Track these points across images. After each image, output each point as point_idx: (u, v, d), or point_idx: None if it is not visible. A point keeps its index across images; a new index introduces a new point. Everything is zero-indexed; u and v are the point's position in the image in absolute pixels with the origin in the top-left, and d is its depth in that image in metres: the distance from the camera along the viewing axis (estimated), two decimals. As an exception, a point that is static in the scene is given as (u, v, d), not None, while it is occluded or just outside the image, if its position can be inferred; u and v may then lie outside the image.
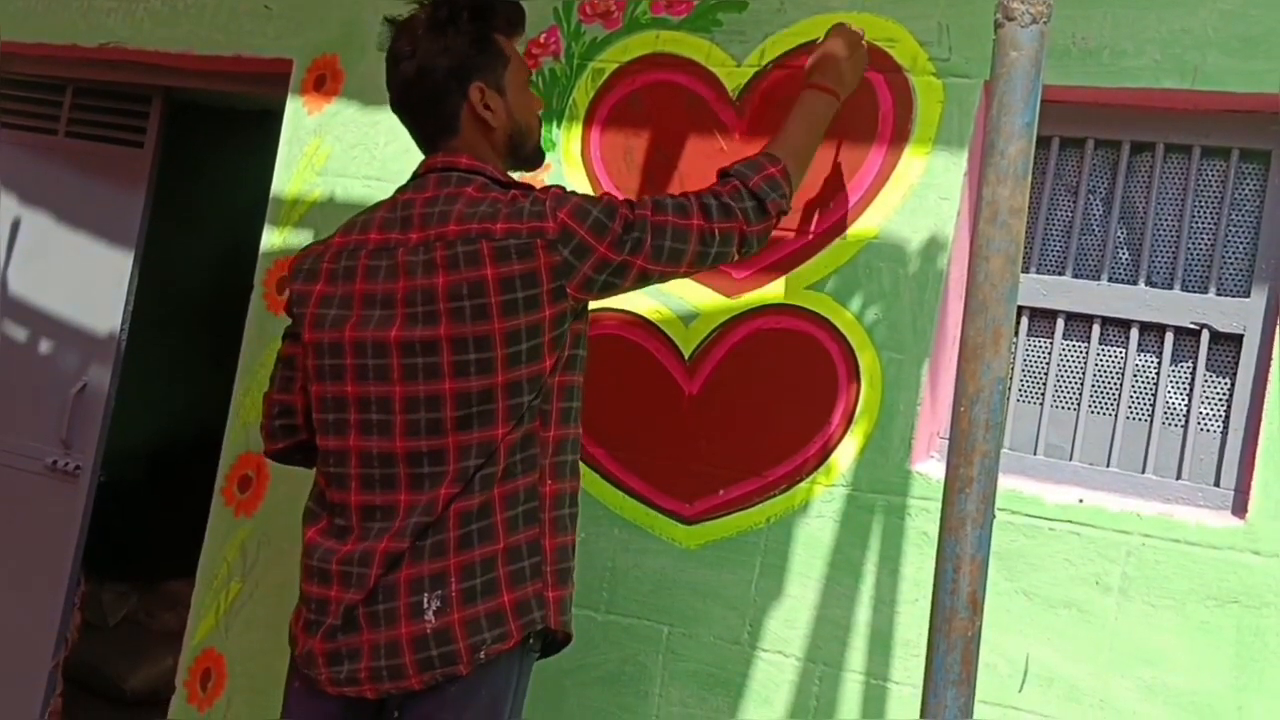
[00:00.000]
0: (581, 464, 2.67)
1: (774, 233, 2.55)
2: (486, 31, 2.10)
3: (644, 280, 2.06)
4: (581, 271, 1.96)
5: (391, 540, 1.95)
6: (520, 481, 1.96)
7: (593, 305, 2.72)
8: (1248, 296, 2.35)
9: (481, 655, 1.92)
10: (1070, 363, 2.50)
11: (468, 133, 2.09)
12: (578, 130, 2.79)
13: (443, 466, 1.95)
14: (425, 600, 1.91)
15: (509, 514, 1.95)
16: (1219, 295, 2.37)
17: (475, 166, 2.07)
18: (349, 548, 1.98)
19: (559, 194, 2.00)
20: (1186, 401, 2.39)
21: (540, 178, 2.78)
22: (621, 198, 2.07)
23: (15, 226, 3.83)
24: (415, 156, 2.90)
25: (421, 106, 2.10)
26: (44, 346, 3.81)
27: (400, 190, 2.12)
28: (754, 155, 2.19)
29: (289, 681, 2.10)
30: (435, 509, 1.94)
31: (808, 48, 2.56)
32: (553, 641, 2.07)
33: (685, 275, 2.14)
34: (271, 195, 3.16)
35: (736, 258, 2.15)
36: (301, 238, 3.07)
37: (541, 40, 2.85)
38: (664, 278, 2.09)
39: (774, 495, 2.54)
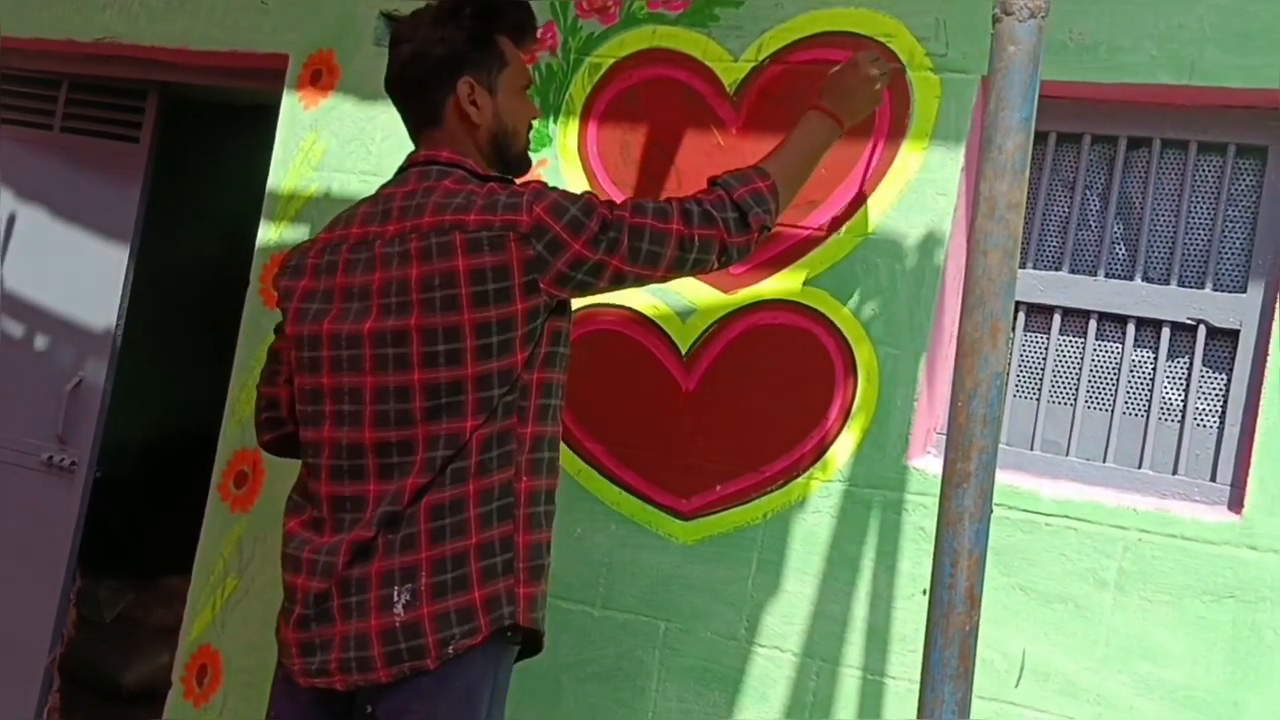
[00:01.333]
0: (580, 460, 2.70)
1: (772, 228, 2.56)
2: (488, 31, 2.12)
3: (619, 281, 2.03)
4: (555, 267, 1.95)
5: (359, 530, 1.95)
6: (495, 477, 1.96)
7: (589, 301, 2.73)
8: (1244, 292, 2.35)
9: (449, 650, 1.91)
10: (1067, 358, 2.50)
11: (450, 125, 2.10)
12: (574, 126, 2.79)
13: (411, 457, 1.95)
14: (395, 593, 1.91)
15: (483, 509, 1.95)
16: (1216, 291, 2.38)
17: (455, 160, 2.07)
18: (323, 539, 1.99)
19: (537, 188, 1.99)
20: (1183, 397, 2.39)
21: (537, 172, 2.79)
22: (604, 198, 2.07)
23: (10, 222, 3.82)
24: (407, 148, 2.91)
25: (411, 91, 2.12)
26: (39, 342, 3.80)
27: (384, 185, 2.13)
28: (745, 167, 2.17)
29: (275, 673, 2.12)
30: (403, 499, 1.94)
31: (804, 43, 2.56)
32: (531, 641, 2.07)
33: (662, 280, 2.12)
34: (267, 190, 3.15)
35: (716, 267, 2.12)
36: (298, 233, 3.06)
37: (538, 35, 2.84)
38: (640, 280, 2.07)
39: (771, 491, 2.54)
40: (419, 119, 2.13)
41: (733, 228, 2.07)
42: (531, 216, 1.94)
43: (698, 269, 2.11)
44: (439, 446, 1.94)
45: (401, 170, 2.13)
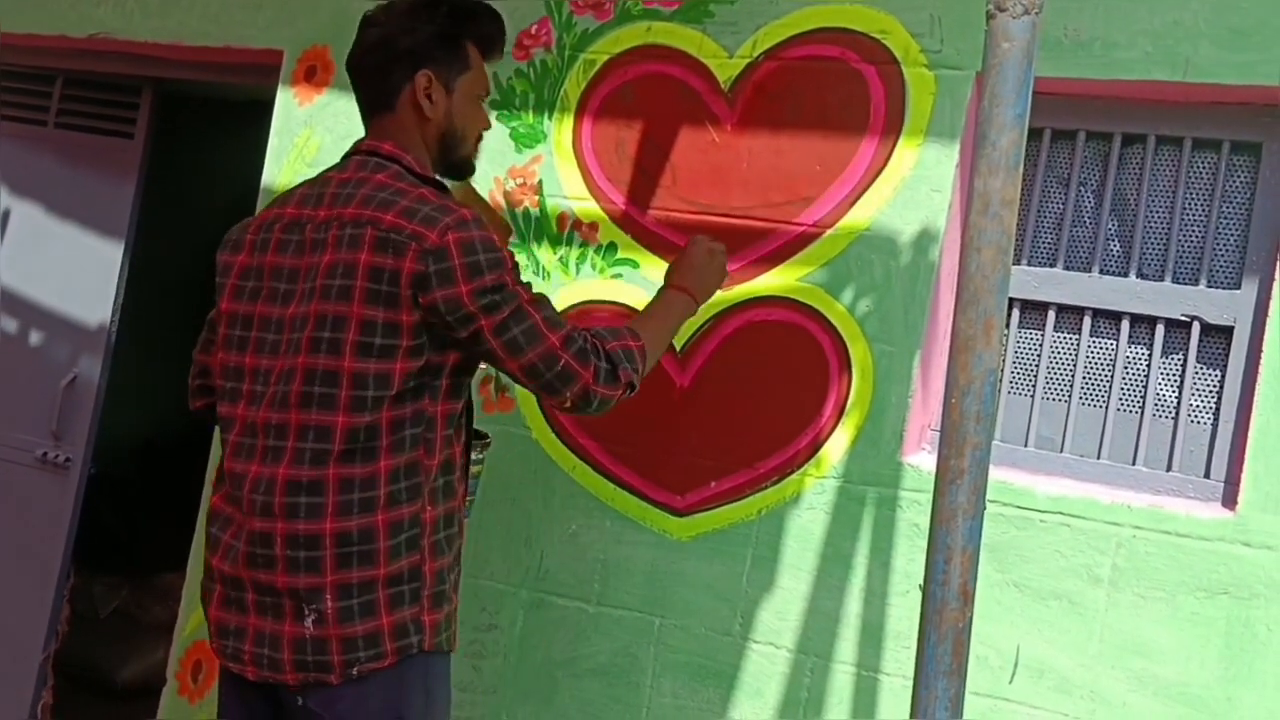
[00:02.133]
0: (575, 457, 2.70)
1: (768, 224, 2.57)
2: (458, 32, 2.13)
3: (474, 344, 1.96)
4: (434, 294, 1.91)
5: (245, 515, 1.97)
6: (405, 510, 1.96)
7: (583, 296, 2.73)
8: (1238, 289, 2.35)
9: (354, 671, 1.93)
10: (1061, 355, 2.50)
11: (402, 114, 2.10)
12: (569, 122, 2.79)
13: (284, 442, 1.96)
14: (304, 609, 1.93)
15: (392, 542, 1.95)
16: (1210, 287, 2.38)
17: (395, 154, 2.08)
18: (232, 521, 2.01)
19: (464, 218, 1.95)
20: (1177, 393, 2.39)
21: (532, 169, 2.79)
22: (518, 276, 2.00)
23: (5, 217, 3.81)
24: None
25: (370, 72, 2.14)
26: (34, 338, 3.80)
27: (328, 169, 2.15)
28: (617, 325, 2.16)
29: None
30: (274, 489, 1.95)
31: (799, 39, 2.56)
32: None
33: (511, 375, 2.02)
34: (262, 186, 3.15)
35: (567, 406, 2.04)
36: (292, 229, 3.06)
37: (533, 31, 2.85)
38: (491, 358, 1.99)
39: (765, 487, 2.55)
40: (372, 102, 2.14)
41: (601, 377, 2.02)
42: (442, 239, 1.91)
43: (548, 392, 2.02)
44: (308, 438, 1.94)
45: (346, 156, 2.14)
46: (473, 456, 2.21)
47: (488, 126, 2.23)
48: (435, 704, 2.04)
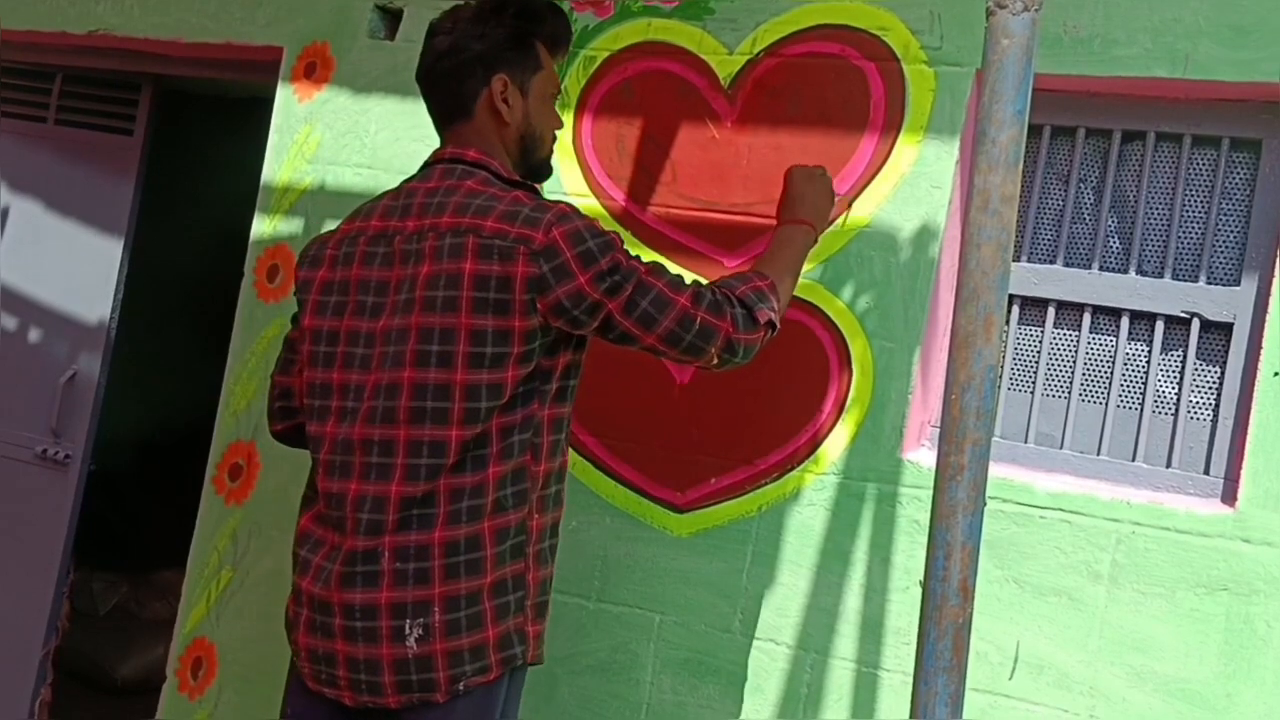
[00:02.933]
0: (575, 454, 2.70)
1: (766, 220, 2.56)
2: (528, 33, 2.11)
3: (608, 329, 1.97)
4: (555, 293, 1.91)
5: (347, 535, 1.94)
6: (511, 516, 1.95)
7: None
8: (1238, 285, 2.35)
9: (460, 687, 1.91)
10: (1061, 351, 2.50)
11: (480, 120, 2.08)
12: (569, 119, 2.79)
13: (391, 459, 1.93)
14: (408, 626, 1.90)
15: (499, 549, 1.93)
16: (1209, 284, 2.38)
17: (482, 160, 2.05)
18: (325, 541, 1.98)
19: (564, 210, 1.95)
20: (1177, 390, 2.40)
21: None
22: (628, 252, 2.00)
23: (4, 215, 3.81)
24: (405, 144, 2.91)
25: (444, 81, 2.10)
26: (34, 335, 3.80)
27: (408, 180, 2.11)
28: (740, 270, 2.14)
29: (290, 669, 2.12)
30: (385, 506, 1.92)
31: (800, 36, 2.56)
32: None
33: (650, 349, 2.01)
34: (262, 183, 3.15)
35: (715, 363, 2.03)
36: (292, 226, 3.06)
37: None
38: (627, 338, 1.98)
39: (765, 484, 2.55)
40: (448, 111, 2.11)
41: (740, 323, 2.01)
42: (548, 236, 1.90)
43: (692, 355, 2.01)
44: (422, 453, 1.91)
45: (426, 165, 2.11)
46: None
47: (560, 125, 2.22)
48: (511, 706, 2.03)
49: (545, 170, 2.20)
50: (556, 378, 1.99)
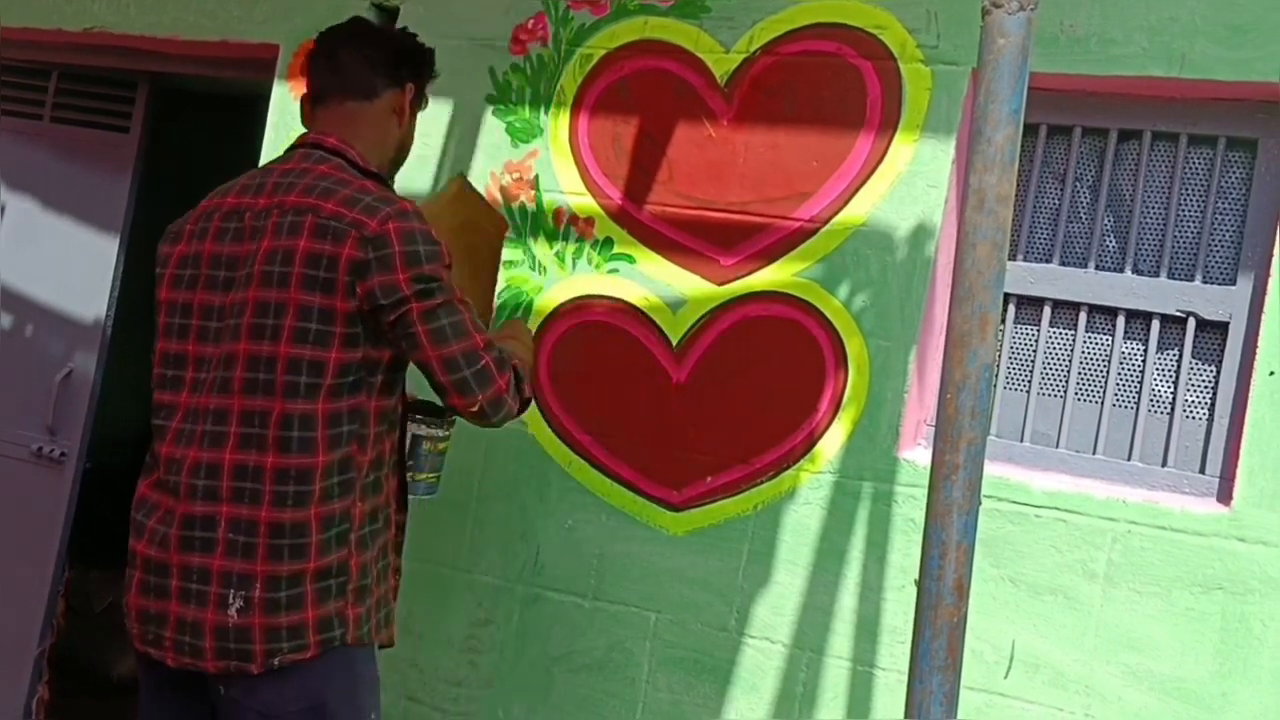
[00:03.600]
0: (571, 452, 2.71)
1: (764, 219, 2.57)
2: (429, 72, 2.25)
3: (401, 326, 1.96)
4: (372, 280, 1.93)
5: (182, 499, 1.98)
6: (337, 504, 1.98)
7: (579, 292, 2.73)
8: (1234, 284, 2.35)
9: (275, 662, 1.94)
10: (1057, 350, 2.50)
11: (375, 111, 2.14)
12: (565, 117, 2.79)
13: (224, 427, 1.97)
14: (230, 595, 1.94)
15: (324, 536, 1.97)
16: (1205, 283, 2.38)
17: (340, 147, 2.10)
18: (163, 506, 2.02)
19: (405, 208, 1.99)
20: (1172, 389, 2.40)
21: (529, 164, 2.79)
22: (449, 268, 2.02)
23: (0, 212, 3.81)
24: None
25: (359, 56, 2.16)
26: (29, 332, 3.79)
27: (272, 160, 2.17)
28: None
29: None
30: (218, 473, 1.96)
31: (796, 34, 2.57)
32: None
33: (426, 367, 2.00)
34: (258, 181, 3.14)
35: (474, 407, 2.00)
36: (288, 224, 3.05)
37: (529, 26, 2.85)
38: (413, 346, 1.97)
39: (761, 482, 2.55)
40: (340, 87, 2.15)
41: (512, 388, 2.04)
42: (382, 227, 1.95)
43: (459, 391, 1.99)
44: (253, 423, 1.96)
45: (290, 148, 2.16)
46: (439, 434, 2.24)
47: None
48: (358, 695, 2.04)
49: (393, 177, 2.26)
50: (384, 369, 2.01)
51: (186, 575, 1.96)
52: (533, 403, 2.13)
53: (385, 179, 2.14)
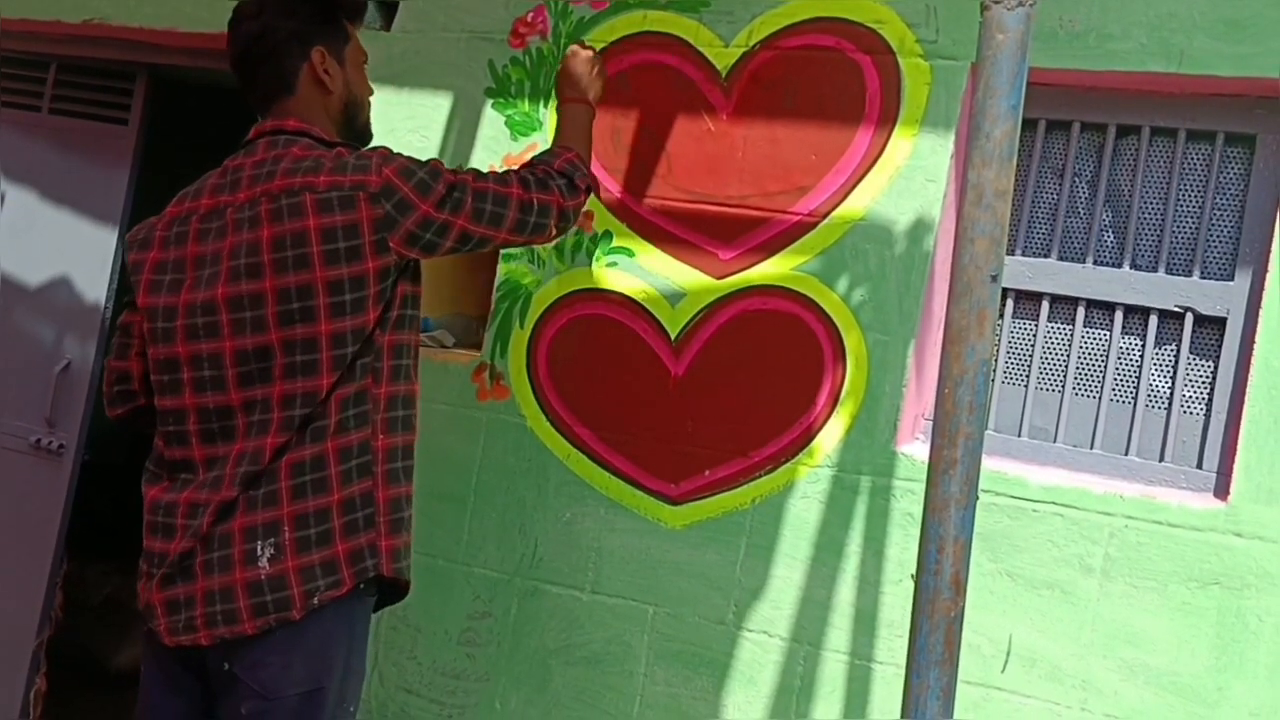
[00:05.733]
0: (569, 445, 2.70)
1: (763, 213, 2.57)
2: (332, 6, 2.20)
3: (464, 241, 2.10)
4: (404, 226, 2.01)
5: (223, 489, 1.99)
6: (353, 436, 2.01)
7: (575, 286, 2.73)
8: (1232, 280, 2.36)
9: (315, 601, 1.96)
10: (1055, 345, 2.50)
11: (304, 93, 2.15)
12: (565, 110, 2.78)
13: (269, 415, 1.99)
14: (259, 547, 1.96)
15: (343, 467, 2.00)
16: (1203, 278, 2.38)
17: (302, 128, 2.12)
18: (187, 497, 2.03)
19: (385, 153, 2.06)
20: (1170, 384, 2.40)
21: (525, 157, 2.78)
22: (452, 169, 2.13)
23: (-1, 204, 3.81)
24: (400, 135, 2.90)
25: (263, 63, 2.16)
26: (28, 324, 3.79)
27: (231, 157, 2.16)
28: (540, 151, 2.32)
29: (143, 642, 2.15)
30: (262, 458, 1.98)
31: (796, 28, 2.57)
32: (393, 589, 2.12)
33: (505, 243, 2.20)
34: (257, 174, 3.14)
35: (554, 233, 2.23)
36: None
37: (529, 19, 2.84)
38: (483, 242, 2.13)
39: (759, 476, 2.55)
40: (271, 91, 2.16)
41: (566, 193, 2.21)
42: (381, 177, 2.00)
43: (537, 234, 2.20)
44: (295, 405, 1.98)
45: (248, 142, 2.16)
46: None
47: (372, 92, 2.30)
48: (358, 639, 2.08)
49: (367, 134, 2.27)
50: (396, 306, 2.06)
51: (209, 546, 1.98)
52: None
53: (352, 145, 2.14)
